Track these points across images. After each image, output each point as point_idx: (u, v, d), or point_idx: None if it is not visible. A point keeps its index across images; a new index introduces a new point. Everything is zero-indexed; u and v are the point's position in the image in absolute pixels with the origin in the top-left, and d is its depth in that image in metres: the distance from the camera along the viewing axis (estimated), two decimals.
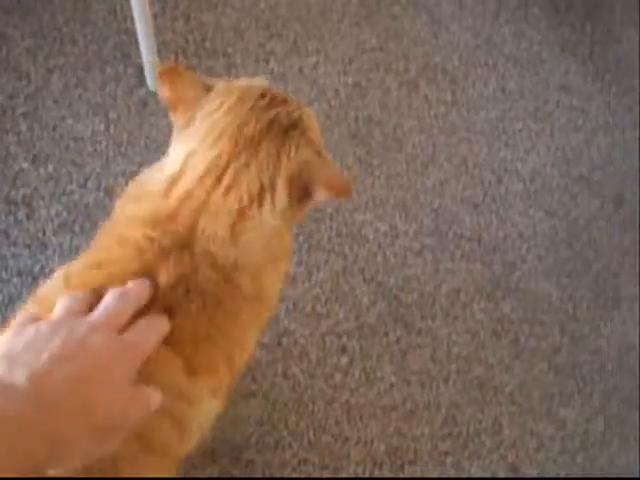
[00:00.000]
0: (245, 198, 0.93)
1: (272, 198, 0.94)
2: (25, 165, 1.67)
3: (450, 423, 1.63)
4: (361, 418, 1.60)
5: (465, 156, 1.91)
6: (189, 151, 0.95)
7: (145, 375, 0.79)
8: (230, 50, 1.91)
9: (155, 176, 0.98)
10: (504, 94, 2.02)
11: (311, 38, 1.97)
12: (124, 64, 1.82)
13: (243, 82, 1.00)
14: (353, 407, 1.60)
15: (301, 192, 0.96)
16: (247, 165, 0.93)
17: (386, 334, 1.67)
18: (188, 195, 0.93)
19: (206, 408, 0.93)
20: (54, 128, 1.74)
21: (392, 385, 1.63)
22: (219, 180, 0.93)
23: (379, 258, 1.74)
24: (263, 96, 0.96)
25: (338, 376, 1.62)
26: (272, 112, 0.95)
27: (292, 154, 0.94)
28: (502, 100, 2.02)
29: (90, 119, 1.75)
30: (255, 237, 0.94)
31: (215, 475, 1.50)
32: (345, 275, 1.70)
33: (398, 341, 1.67)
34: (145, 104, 1.79)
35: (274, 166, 0.94)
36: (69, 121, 1.74)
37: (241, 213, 0.93)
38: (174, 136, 1.00)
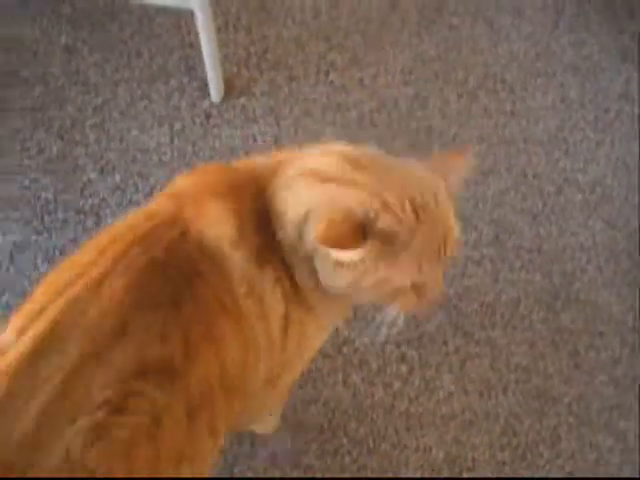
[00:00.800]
0: None
1: None
2: (93, 176, 1.73)
3: (509, 433, 1.63)
4: (420, 426, 1.61)
5: (524, 166, 1.91)
6: None
7: None
8: (291, 62, 1.94)
9: None
10: (563, 104, 2.02)
11: (371, 49, 2.00)
12: (188, 76, 1.87)
13: None
14: (412, 415, 1.61)
15: None
16: None
17: (445, 343, 1.68)
18: None
19: None
20: (121, 140, 1.79)
21: (451, 394, 1.64)
22: None
23: None
24: None
25: (397, 384, 1.63)
26: None
27: None
28: (561, 110, 2.01)
29: (155, 130, 1.80)
30: None
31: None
32: None
33: (457, 350, 1.68)
34: (209, 116, 1.84)
35: None
36: (135, 132, 1.79)
37: None
38: None
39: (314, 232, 0.88)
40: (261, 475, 1.51)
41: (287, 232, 0.94)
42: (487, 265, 1.78)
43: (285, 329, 1.00)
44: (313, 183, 0.93)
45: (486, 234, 1.81)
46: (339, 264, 0.90)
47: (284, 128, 1.86)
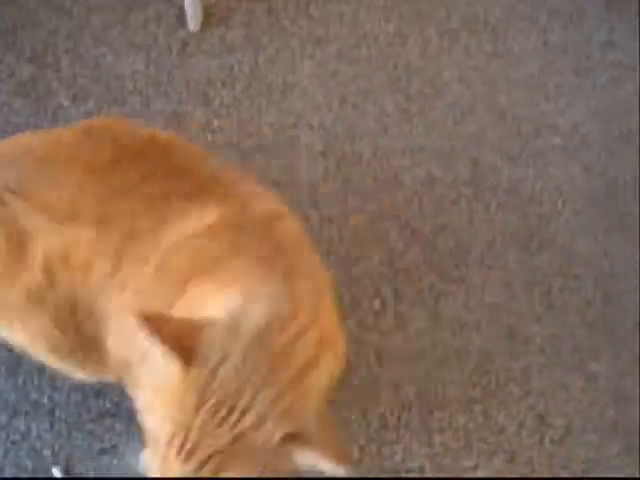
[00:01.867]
0: None
1: None
2: (66, 102, 1.69)
3: (480, 371, 1.63)
4: (391, 361, 1.60)
5: (504, 108, 1.90)
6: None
7: None
8: None
9: None
10: (545, 48, 2.00)
11: None
12: (166, 4, 1.83)
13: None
14: (383, 350, 1.60)
15: None
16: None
17: (419, 280, 1.67)
18: None
19: None
20: (95, 66, 1.75)
21: (423, 330, 1.63)
22: None
23: (415, 204, 1.74)
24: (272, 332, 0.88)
25: (370, 319, 1.62)
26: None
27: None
28: (543, 54, 2.00)
29: (130, 58, 1.77)
30: None
31: None
32: (380, 220, 1.70)
33: (431, 288, 1.68)
34: (186, 44, 1.80)
35: None
36: (109, 59, 1.76)
37: None
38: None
39: None
40: None
41: None
42: (463, 204, 1.77)
43: None
44: None
45: (463, 173, 1.80)
46: None
47: (262, 60, 1.82)
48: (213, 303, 0.92)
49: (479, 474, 1.53)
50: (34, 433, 1.44)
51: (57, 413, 1.46)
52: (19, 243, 1.05)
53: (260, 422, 0.82)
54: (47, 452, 1.43)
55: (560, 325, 1.72)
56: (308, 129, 1.75)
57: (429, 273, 1.69)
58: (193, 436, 0.82)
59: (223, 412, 0.82)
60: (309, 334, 0.90)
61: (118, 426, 1.46)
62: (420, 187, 1.76)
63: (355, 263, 1.65)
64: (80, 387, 1.47)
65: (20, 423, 1.44)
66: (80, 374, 1.30)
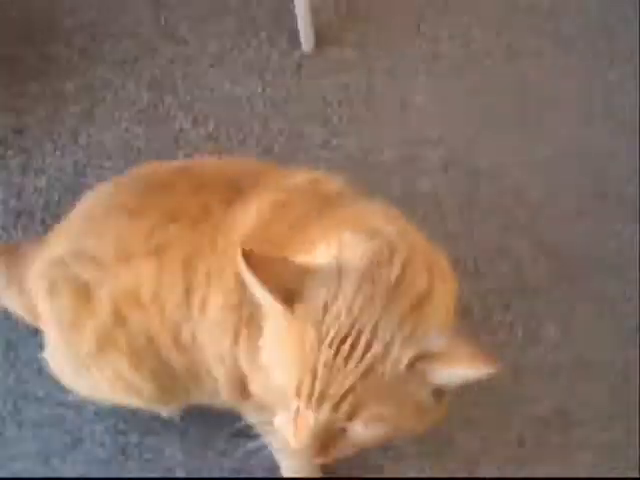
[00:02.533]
0: None
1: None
2: (186, 125, 1.70)
3: (621, 385, 1.56)
4: (527, 377, 1.53)
5: (626, 117, 1.83)
6: None
7: None
8: (381, 12, 1.90)
9: None
10: None
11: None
12: (278, 28, 1.85)
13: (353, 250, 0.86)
14: (520, 366, 1.54)
15: None
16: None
17: (549, 292, 1.61)
18: None
19: None
20: (212, 90, 1.78)
21: (556, 345, 1.57)
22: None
23: (540, 217, 1.69)
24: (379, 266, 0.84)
25: (502, 334, 1.57)
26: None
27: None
28: None
29: (246, 81, 1.80)
30: None
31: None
32: (506, 233, 1.65)
33: (563, 299, 1.61)
34: (300, 66, 1.82)
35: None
36: (226, 83, 1.78)
37: None
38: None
39: None
40: None
41: None
42: (588, 218, 1.70)
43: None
44: None
45: (585, 184, 1.73)
46: None
47: (377, 77, 1.81)
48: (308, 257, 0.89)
49: None
50: (167, 453, 1.42)
51: (190, 434, 1.43)
52: (85, 295, 1.10)
53: (386, 351, 0.77)
54: (181, 473, 1.41)
55: None
56: (427, 144, 1.72)
57: (559, 284, 1.61)
58: (321, 377, 0.77)
59: (347, 346, 0.77)
60: (415, 262, 0.85)
61: (250, 445, 1.43)
62: (544, 199, 1.70)
63: (483, 277, 1.59)
64: (211, 408, 1.44)
65: (152, 442, 1.43)
66: (165, 410, 1.34)
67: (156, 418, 1.42)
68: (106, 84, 1.75)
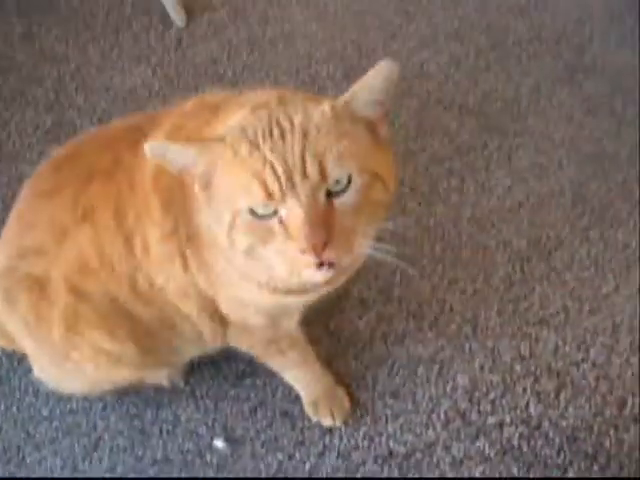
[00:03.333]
0: None
1: None
2: (93, 128, 1.71)
3: (580, 201, 1.59)
4: (492, 225, 1.57)
5: None
6: None
7: None
8: None
9: None
10: None
11: None
12: (148, 16, 1.89)
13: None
14: (480, 218, 1.58)
15: None
16: None
17: (485, 146, 1.65)
18: None
19: None
20: (107, 89, 1.79)
21: (510, 187, 1.60)
22: None
23: (450, 85, 1.73)
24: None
25: (454, 196, 1.60)
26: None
27: None
28: None
29: (136, 70, 1.82)
30: None
31: (373, 320, 1.48)
32: (425, 109, 1.69)
33: (499, 147, 1.65)
34: (180, 40, 1.84)
35: None
36: (117, 78, 1.80)
37: None
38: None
39: None
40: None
41: None
42: (495, 68, 1.77)
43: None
44: None
45: (483, 43, 1.79)
46: None
47: (255, 25, 1.85)
48: None
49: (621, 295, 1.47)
50: (183, 418, 1.42)
51: (197, 392, 1.44)
52: (39, 289, 1.10)
53: (305, 113, 0.84)
54: (203, 430, 1.41)
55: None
56: (323, 63, 1.76)
57: (491, 137, 1.68)
58: (276, 163, 0.81)
59: (276, 130, 0.82)
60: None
61: (259, 382, 1.44)
62: (448, 69, 1.76)
63: (417, 154, 1.62)
64: (209, 361, 1.45)
65: (167, 414, 1.42)
66: (161, 376, 1.34)
67: (163, 391, 1.42)
68: (5, 122, 1.77)
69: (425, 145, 1.65)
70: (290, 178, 0.80)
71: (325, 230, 0.81)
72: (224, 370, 1.45)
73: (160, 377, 1.37)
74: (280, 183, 0.80)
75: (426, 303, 1.50)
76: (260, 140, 0.82)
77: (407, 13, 1.85)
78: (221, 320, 1.17)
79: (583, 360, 1.42)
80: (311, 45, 1.81)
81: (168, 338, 1.20)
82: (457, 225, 1.57)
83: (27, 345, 1.21)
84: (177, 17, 1.85)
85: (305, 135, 0.81)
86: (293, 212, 0.81)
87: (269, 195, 0.80)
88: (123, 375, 1.24)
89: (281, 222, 0.83)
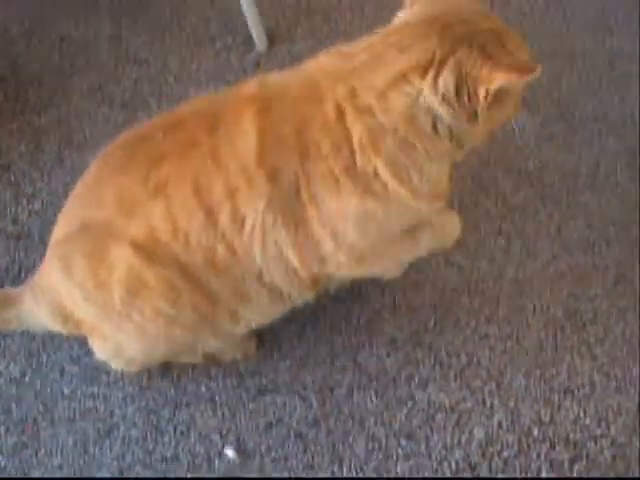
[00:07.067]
0: (414, 61, 1.03)
1: (436, 76, 1.03)
2: None
3: (622, 281, 1.59)
4: (532, 289, 1.58)
5: (572, 49, 1.93)
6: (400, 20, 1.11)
7: None
8: (325, 5, 2.05)
9: None
10: None
11: None
12: (231, 36, 1.96)
13: None
14: (522, 281, 1.59)
15: (470, 87, 1.04)
16: (427, 36, 1.03)
17: (537, 212, 1.67)
18: (370, 45, 1.09)
19: None
20: (180, 99, 1.83)
21: (555, 256, 1.62)
22: (400, 39, 1.05)
23: (512, 149, 1.76)
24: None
25: (499, 255, 1.62)
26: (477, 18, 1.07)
27: (472, 51, 1.02)
28: None
29: (211, 86, 1.86)
30: (403, 102, 1.05)
31: (401, 361, 1.49)
32: (485, 168, 1.71)
33: (550, 217, 1.67)
34: (258, 64, 1.91)
35: (451, 48, 1.02)
36: (192, 91, 1.86)
37: (403, 74, 1.04)
38: None
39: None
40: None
41: None
42: (559, 139, 1.79)
43: None
44: None
45: (550, 113, 1.81)
46: None
47: None
48: None
49: None
50: (199, 422, 1.44)
51: (217, 399, 1.46)
52: (98, 257, 1.15)
53: None
54: (216, 436, 1.43)
55: None
56: None
57: (544, 205, 1.69)
58: None
59: None
60: None
61: (279, 400, 1.46)
62: (512, 133, 1.75)
63: (470, 210, 1.65)
64: (234, 370, 1.48)
65: (184, 415, 1.44)
66: (213, 340, 1.35)
67: (185, 392, 1.45)
68: (80, 113, 1.83)
69: (479, 202, 1.67)
70: None
71: None
72: (247, 382, 1.47)
73: (215, 347, 1.40)
74: None
75: (455, 354, 1.51)
76: None
77: None
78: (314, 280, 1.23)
79: (602, 436, 1.41)
80: None
81: (234, 308, 1.24)
82: (498, 283, 1.58)
83: (86, 313, 1.23)
84: (259, 41, 1.91)
85: None
86: None
87: None
88: (183, 338, 1.27)
89: None
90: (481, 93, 1.02)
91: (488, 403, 1.46)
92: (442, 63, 1.02)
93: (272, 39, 1.95)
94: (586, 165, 1.75)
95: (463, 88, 1.03)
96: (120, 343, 1.27)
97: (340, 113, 1.07)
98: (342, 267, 1.19)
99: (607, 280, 1.60)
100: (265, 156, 1.08)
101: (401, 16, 1.11)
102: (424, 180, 1.12)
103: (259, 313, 1.28)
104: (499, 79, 1.00)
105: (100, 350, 1.31)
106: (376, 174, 1.09)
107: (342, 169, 1.08)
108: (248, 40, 1.92)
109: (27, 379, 1.48)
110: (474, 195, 1.68)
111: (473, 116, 1.06)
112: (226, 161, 1.10)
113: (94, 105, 1.84)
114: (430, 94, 1.03)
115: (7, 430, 1.44)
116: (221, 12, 2.00)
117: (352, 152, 1.08)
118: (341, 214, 1.11)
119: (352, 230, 1.13)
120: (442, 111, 1.05)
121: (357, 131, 1.07)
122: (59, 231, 1.24)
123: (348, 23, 1.99)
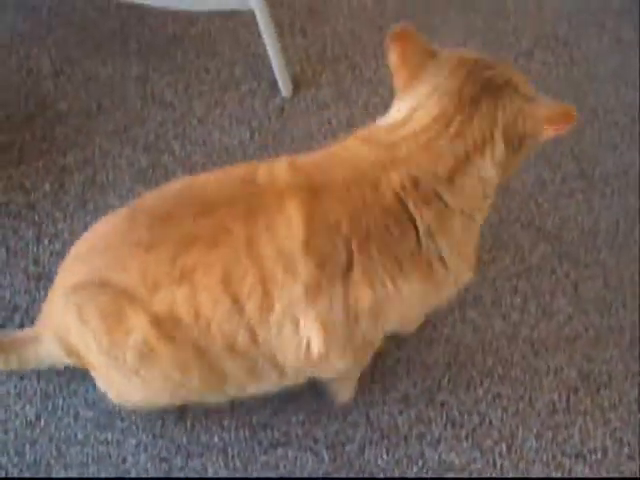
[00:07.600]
0: (471, 145, 1.08)
1: (492, 149, 1.08)
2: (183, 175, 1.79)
3: (638, 343, 1.59)
4: (546, 349, 1.59)
5: (594, 105, 1.94)
6: (415, 106, 1.12)
7: None
8: (350, 53, 2.03)
9: (380, 124, 1.16)
10: (619, 45, 2.06)
11: (421, 30, 2.07)
12: (256, 80, 1.97)
13: (459, 52, 1.15)
14: (536, 341, 1.60)
15: (517, 141, 1.10)
16: (470, 118, 1.08)
17: (554, 271, 1.67)
18: (413, 136, 1.09)
19: None
20: (204, 143, 1.87)
21: (570, 316, 1.62)
22: (447, 128, 1.08)
23: (531, 205, 1.76)
24: (477, 62, 1.11)
25: (515, 314, 1.62)
26: (487, 74, 1.10)
27: (507, 107, 1.08)
28: (618, 50, 2.05)
29: (235, 131, 1.88)
30: (470, 183, 1.10)
31: (413, 419, 1.50)
32: (503, 224, 1.72)
33: (567, 275, 1.67)
34: (282, 109, 1.92)
35: (492, 119, 1.08)
36: (216, 135, 1.87)
37: (467, 157, 1.08)
38: (396, 97, 1.17)
39: None
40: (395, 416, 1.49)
41: None
42: (579, 196, 1.79)
43: None
44: None
45: (570, 169, 1.82)
46: None
47: (356, 109, 1.92)
48: None
49: None
50: (210, 471, 1.45)
51: (229, 450, 1.47)
52: (116, 320, 1.15)
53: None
54: None
55: None
56: None
57: (561, 263, 1.69)
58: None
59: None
60: None
61: (290, 453, 1.47)
62: (532, 189, 1.78)
63: (488, 266, 1.66)
64: (247, 422, 1.49)
65: (196, 464, 1.46)
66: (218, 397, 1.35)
67: (198, 442, 1.46)
68: (104, 154, 1.85)
69: (497, 258, 1.68)
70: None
71: None
72: (259, 435, 1.47)
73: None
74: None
75: (467, 413, 1.51)
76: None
77: None
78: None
79: None
80: None
81: (244, 382, 1.25)
82: (512, 343, 1.58)
83: (96, 360, 1.24)
84: (284, 87, 1.93)
85: None
86: None
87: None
88: (185, 395, 1.30)
89: None
90: (528, 145, 1.10)
91: (499, 464, 1.46)
92: (492, 136, 1.08)
93: (297, 85, 1.96)
94: (605, 223, 1.75)
95: (510, 147, 1.09)
96: (125, 388, 1.28)
97: (400, 200, 1.08)
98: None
99: (623, 342, 1.60)
100: (313, 242, 1.08)
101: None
102: (473, 249, 1.19)
103: (267, 387, 1.29)
104: (549, 131, 1.08)
105: (101, 385, 1.32)
106: (441, 257, 1.12)
107: (407, 254, 1.10)
108: (273, 85, 1.94)
109: (42, 422, 1.49)
110: (492, 251, 1.68)
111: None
112: (263, 250, 1.09)
113: (118, 146, 1.86)
114: (491, 167, 1.09)
115: (20, 472, 1.45)
116: (247, 56, 2.01)
117: (417, 237, 1.10)
118: (397, 297, 1.12)
119: (408, 310, 1.21)
120: (494, 174, 1.10)
121: (425, 217, 1.09)
122: (74, 274, 1.23)
123: (373, 71, 2.00)
